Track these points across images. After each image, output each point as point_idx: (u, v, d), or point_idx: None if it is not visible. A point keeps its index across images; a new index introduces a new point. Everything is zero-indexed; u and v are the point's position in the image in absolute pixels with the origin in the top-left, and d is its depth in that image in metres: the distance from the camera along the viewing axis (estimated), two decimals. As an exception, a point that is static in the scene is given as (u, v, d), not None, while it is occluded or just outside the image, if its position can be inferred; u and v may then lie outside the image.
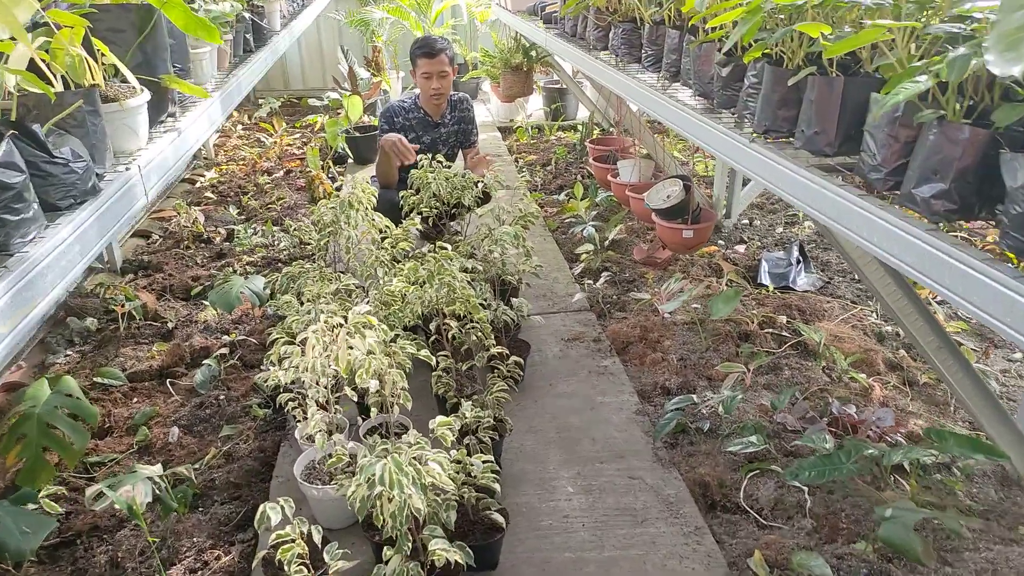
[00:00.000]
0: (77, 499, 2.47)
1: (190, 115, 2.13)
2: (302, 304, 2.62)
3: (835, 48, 1.58)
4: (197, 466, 2.52)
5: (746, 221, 4.54)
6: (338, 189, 5.14)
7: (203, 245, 4.49)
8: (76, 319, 3.53)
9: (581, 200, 4.31)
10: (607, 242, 3.95)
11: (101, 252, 4.19)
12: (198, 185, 5.53)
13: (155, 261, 4.21)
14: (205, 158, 5.98)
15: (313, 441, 2.01)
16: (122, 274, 4.16)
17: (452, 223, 3.57)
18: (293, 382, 1.94)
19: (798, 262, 3.81)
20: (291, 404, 2.03)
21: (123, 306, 3.39)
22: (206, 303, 3.49)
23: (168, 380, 3.04)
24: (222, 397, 2.83)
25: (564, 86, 6.53)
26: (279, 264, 4.12)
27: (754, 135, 2.01)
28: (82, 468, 2.57)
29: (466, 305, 2.32)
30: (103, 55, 1.73)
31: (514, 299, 2.73)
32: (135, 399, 2.94)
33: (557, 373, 2.89)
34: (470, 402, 2.14)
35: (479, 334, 2.36)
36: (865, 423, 2.46)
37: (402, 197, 3.38)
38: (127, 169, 1.60)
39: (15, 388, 3.07)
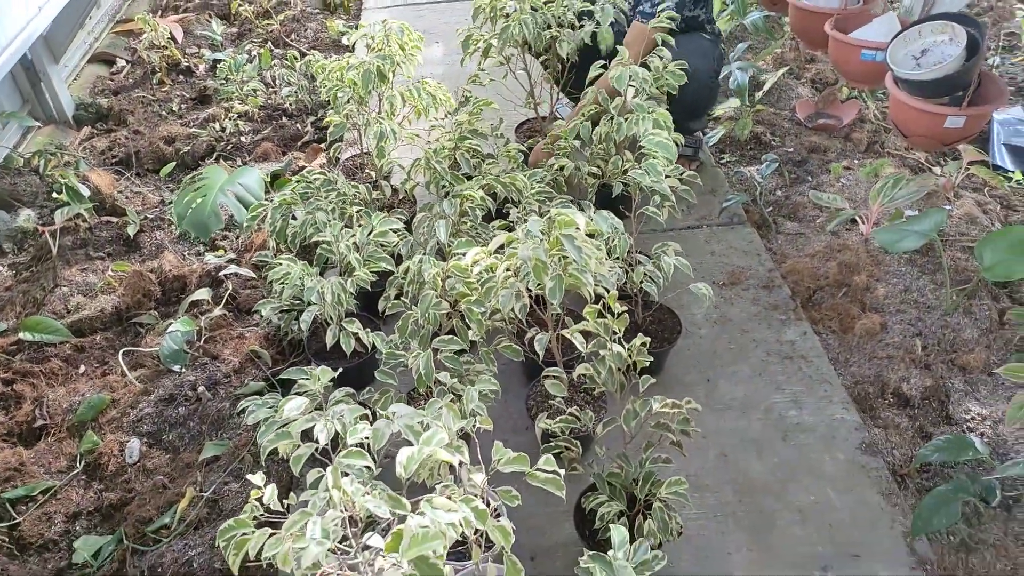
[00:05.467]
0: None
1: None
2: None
3: None
4: (168, 521, 1.63)
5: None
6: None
7: (181, 79, 3.30)
8: (5, 213, 2.50)
9: (719, 17, 2.90)
10: (760, 93, 2.66)
11: (40, 96, 3.03)
12: (175, -23, 4.14)
13: (117, 108, 3.07)
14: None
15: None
16: (76, 125, 3.05)
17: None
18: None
19: (1052, 127, 2.52)
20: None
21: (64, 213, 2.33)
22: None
23: (128, 331, 2.08)
24: (201, 388, 1.86)
25: None
26: (284, 118, 2.94)
27: None
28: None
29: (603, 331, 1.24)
30: None
31: (667, 255, 1.60)
32: (81, 367, 2.00)
33: (715, 354, 1.84)
34: (622, 529, 1.14)
35: (622, 374, 1.29)
36: None
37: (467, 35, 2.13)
38: None
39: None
